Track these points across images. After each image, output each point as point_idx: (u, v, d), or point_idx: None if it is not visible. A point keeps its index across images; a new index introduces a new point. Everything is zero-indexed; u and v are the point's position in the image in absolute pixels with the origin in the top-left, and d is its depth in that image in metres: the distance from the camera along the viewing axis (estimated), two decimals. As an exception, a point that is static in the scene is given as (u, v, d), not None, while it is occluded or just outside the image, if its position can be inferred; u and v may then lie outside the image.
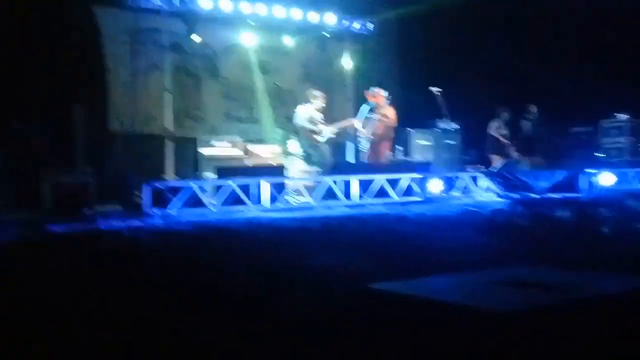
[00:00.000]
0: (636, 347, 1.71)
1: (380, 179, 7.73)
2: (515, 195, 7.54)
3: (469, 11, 10.39)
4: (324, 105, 8.83)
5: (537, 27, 10.87)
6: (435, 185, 7.94)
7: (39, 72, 8.61)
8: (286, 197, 7.48)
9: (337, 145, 9.49)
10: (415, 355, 1.71)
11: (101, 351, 1.87)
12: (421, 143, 9.98)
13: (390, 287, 2.54)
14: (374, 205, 7.38)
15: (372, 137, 8.77)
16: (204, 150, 9.28)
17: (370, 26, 11.58)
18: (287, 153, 9.20)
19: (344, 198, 7.58)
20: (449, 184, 8.20)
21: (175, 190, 7.11)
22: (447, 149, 9.72)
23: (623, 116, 10.63)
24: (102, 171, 8.37)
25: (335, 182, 7.60)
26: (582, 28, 10.54)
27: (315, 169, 8.73)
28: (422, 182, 7.95)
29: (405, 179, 7.87)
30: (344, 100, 11.57)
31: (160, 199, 7.04)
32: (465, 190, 8.23)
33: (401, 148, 10.02)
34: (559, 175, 7.80)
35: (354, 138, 8.97)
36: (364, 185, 7.69)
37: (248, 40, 10.62)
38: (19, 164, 7.92)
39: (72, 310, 2.46)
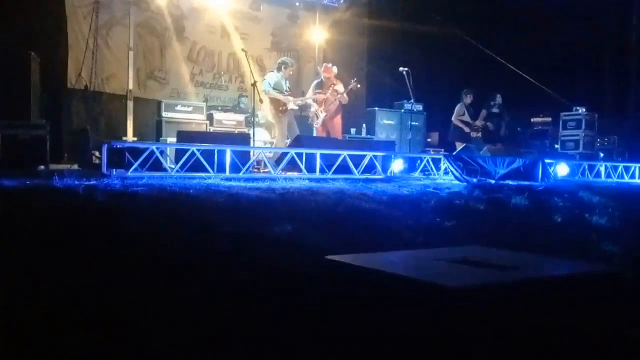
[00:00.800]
0: (579, 326, 1.80)
1: (343, 155, 7.75)
2: (473, 180, 7.68)
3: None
4: (292, 74, 8.77)
5: (506, 16, 11.01)
6: (397, 165, 8.02)
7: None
8: (248, 167, 7.43)
9: (302, 118, 9.45)
10: (367, 325, 1.74)
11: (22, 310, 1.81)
12: (385, 122, 10.05)
13: (347, 260, 2.55)
14: (335, 180, 7.41)
15: (324, 113, 8.76)
16: (167, 114, 9.11)
17: (341, -1, 11.50)
18: (251, 122, 9.12)
19: (306, 171, 7.58)
20: (411, 164, 8.30)
21: (134, 152, 6.95)
22: (411, 130, 9.81)
23: (581, 109, 10.94)
24: (58, 127, 8.14)
25: (298, 155, 7.58)
26: (546, 20, 10.74)
27: (278, 139, 8.69)
28: (384, 161, 8.02)
29: (368, 156, 7.91)
30: (312, 72, 11.50)
31: (119, 160, 6.89)
32: (426, 172, 8.35)
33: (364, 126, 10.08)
34: (517, 163, 7.99)
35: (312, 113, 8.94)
36: (326, 160, 7.70)
37: (217, 3, 10.38)
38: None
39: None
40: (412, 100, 9.57)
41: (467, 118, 10.21)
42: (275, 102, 8.52)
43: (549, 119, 11.15)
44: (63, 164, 7.57)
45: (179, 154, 7.19)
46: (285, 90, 8.58)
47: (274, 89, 8.47)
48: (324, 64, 9.00)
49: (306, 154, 7.60)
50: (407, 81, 9.03)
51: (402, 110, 10.77)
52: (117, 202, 4.65)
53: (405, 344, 1.62)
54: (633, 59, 11.22)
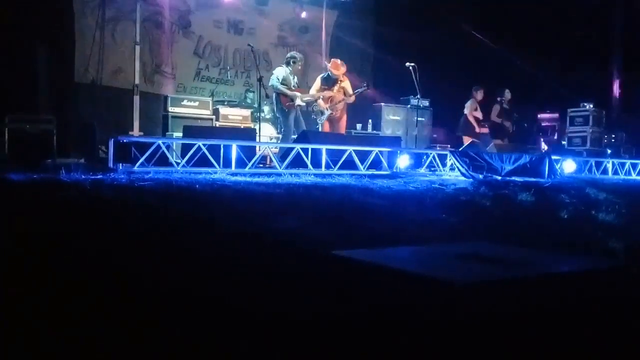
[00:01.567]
0: (583, 323, 1.79)
1: (349, 150, 7.73)
2: (480, 176, 7.65)
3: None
4: (301, 69, 8.73)
5: (513, 11, 10.94)
6: (403, 161, 7.99)
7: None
8: (254, 162, 7.43)
9: (308, 114, 9.43)
10: (373, 321, 1.73)
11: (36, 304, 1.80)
12: (392, 118, 10.02)
13: (353, 255, 2.55)
14: (341, 176, 7.40)
15: (330, 111, 8.70)
16: (173, 109, 9.11)
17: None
18: (257, 118, 9.11)
19: (312, 167, 7.56)
20: (417, 160, 8.27)
21: (141, 147, 6.94)
22: (417, 126, 9.78)
23: (589, 105, 10.85)
24: (65, 121, 8.16)
25: (303, 150, 7.57)
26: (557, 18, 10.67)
27: (284, 135, 8.67)
28: (390, 157, 7.99)
29: (373, 152, 7.89)
30: (318, 68, 11.47)
31: (126, 155, 6.90)
32: (432, 168, 8.32)
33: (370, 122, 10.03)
34: (524, 159, 7.95)
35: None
36: (332, 155, 7.68)
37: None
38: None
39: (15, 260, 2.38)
40: (418, 96, 9.54)
41: (479, 114, 10.16)
42: (282, 98, 8.49)
43: (556, 115, 11.07)
44: (70, 158, 7.58)
45: (185, 148, 7.19)
46: (293, 86, 8.55)
47: (282, 83, 8.44)
48: (332, 59, 8.92)
49: (312, 149, 7.59)
50: (414, 76, 8.99)
51: (409, 106, 10.73)
52: (123, 197, 4.64)
53: (412, 339, 1.61)
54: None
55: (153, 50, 10.12)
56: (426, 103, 10.67)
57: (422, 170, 8.23)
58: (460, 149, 8.95)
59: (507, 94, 10.18)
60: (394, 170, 7.92)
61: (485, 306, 1.91)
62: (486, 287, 2.12)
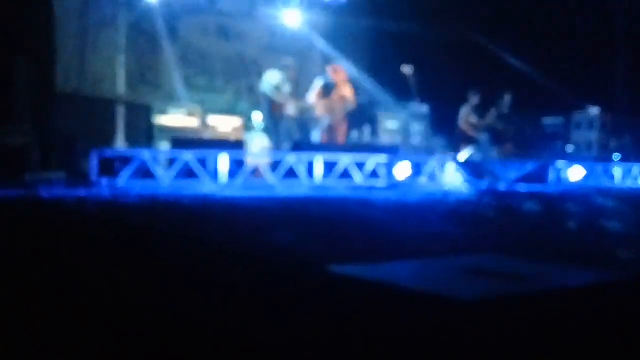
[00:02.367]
0: (594, 339, 1.71)
1: (345, 161, 7.49)
2: (483, 185, 7.45)
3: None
4: (294, 76, 8.43)
5: (514, 13, 10.76)
6: (402, 170, 7.76)
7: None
8: (244, 174, 7.15)
9: (302, 122, 9.14)
10: (375, 341, 1.64)
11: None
12: (389, 126, 9.77)
13: (352, 271, 2.46)
14: (337, 188, 7.17)
15: (329, 118, 8.40)
16: (159, 119, 8.81)
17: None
18: (248, 127, 8.81)
19: (306, 178, 7.31)
20: (416, 169, 8.04)
21: (125, 160, 6.80)
22: (416, 133, 9.56)
23: (594, 109, 10.64)
24: (45, 134, 7.90)
25: (297, 161, 7.31)
26: (557, 17, 10.51)
27: (277, 145, 8.37)
28: (388, 166, 7.76)
29: (371, 162, 7.64)
30: (310, 74, 11.18)
31: (109, 168, 6.74)
32: (432, 177, 8.09)
33: (367, 130, 9.78)
34: (528, 167, 7.72)
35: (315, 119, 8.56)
36: (327, 166, 7.45)
37: (212, 2, 10.08)
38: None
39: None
40: (417, 102, 9.31)
41: (474, 119, 9.94)
42: (273, 105, 8.18)
43: (561, 120, 10.87)
44: (51, 171, 7.29)
45: (173, 160, 6.99)
46: (286, 93, 8.24)
47: (274, 89, 8.12)
48: (333, 65, 8.60)
49: (306, 160, 7.35)
50: (412, 81, 8.79)
51: (407, 113, 10.47)
52: (106, 216, 4.49)
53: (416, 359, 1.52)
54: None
55: (138, 58, 9.81)
56: (425, 109, 10.43)
57: (423, 179, 7.99)
58: (460, 157, 8.75)
59: (507, 98, 9.98)
60: (393, 180, 7.68)
61: (496, 323, 1.83)
62: (497, 303, 2.05)
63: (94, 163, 6.71)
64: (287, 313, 1.90)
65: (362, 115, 9.47)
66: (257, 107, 8.54)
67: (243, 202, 5.62)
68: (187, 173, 6.86)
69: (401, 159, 7.95)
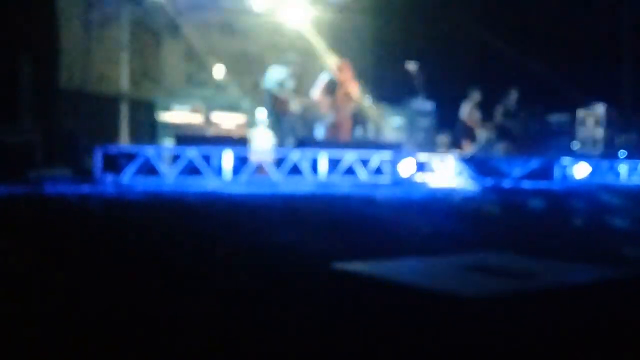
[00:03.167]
0: (599, 336, 1.70)
1: (349, 158, 7.47)
2: (488, 182, 7.43)
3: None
4: (298, 72, 8.41)
5: (519, 10, 10.70)
6: (406, 167, 7.74)
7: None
8: (248, 171, 7.15)
9: (305, 119, 9.13)
10: (378, 338, 1.64)
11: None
12: (393, 122, 9.75)
13: (356, 268, 2.47)
14: (341, 185, 7.16)
15: (333, 116, 8.38)
16: (163, 116, 8.82)
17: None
18: (252, 124, 8.79)
19: (310, 175, 7.30)
20: (420, 166, 8.02)
21: (129, 156, 6.81)
22: (420, 130, 9.54)
23: (600, 106, 10.58)
24: (49, 131, 7.91)
25: (301, 157, 7.30)
26: (562, 13, 10.45)
27: (280, 142, 8.36)
28: (392, 163, 7.74)
29: (375, 158, 7.62)
30: (314, 71, 11.16)
31: (113, 165, 6.74)
32: (437, 174, 8.07)
33: (370, 127, 9.76)
34: (534, 163, 7.70)
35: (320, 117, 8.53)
36: (331, 163, 7.43)
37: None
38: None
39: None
40: (421, 98, 9.28)
41: (476, 116, 9.91)
42: (277, 102, 8.15)
43: (566, 117, 10.82)
44: (55, 169, 7.30)
45: (177, 157, 6.98)
46: (289, 89, 8.22)
47: (277, 85, 8.10)
48: (339, 62, 8.55)
49: (310, 156, 7.34)
50: (417, 78, 8.77)
51: (411, 109, 10.44)
52: (111, 214, 4.53)
53: (418, 356, 1.52)
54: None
55: (141, 55, 9.80)
56: (430, 106, 10.40)
57: (426, 176, 7.96)
58: (464, 154, 8.73)
59: (513, 95, 9.94)
60: (397, 177, 7.66)
61: (501, 321, 1.84)
62: (501, 301, 2.05)
63: (98, 160, 6.71)
64: (291, 310, 1.89)
65: (365, 113, 9.45)
66: (260, 103, 8.52)
67: (247, 198, 5.63)
68: (191, 169, 6.86)
69: (405, 156, 7.93)
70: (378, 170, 7.71)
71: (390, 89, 9.94)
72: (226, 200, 5.43)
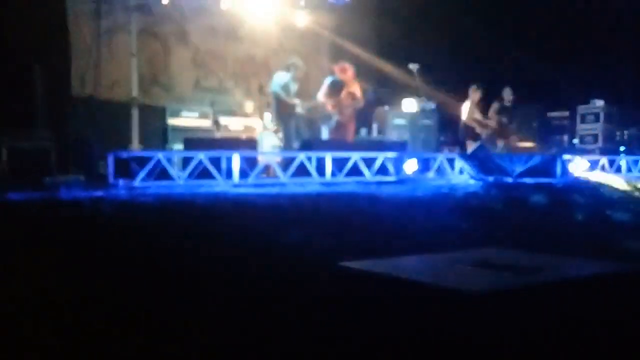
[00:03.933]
0: (599, 330, 1.72)
1: (354, 157, 7.59)
2: (490, 179, 7.50)
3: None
4: (302, 76, 8.54)
5: (517, 7, 10.74)
6: (410, 166, 7.85)
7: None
8: (257, 173, 7.28)
9: (311, 122, 9.26)
10: (384, 335, 1.66)
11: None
12: (397, 122, 9.83)
13: (361, 266, 2.49)
14: (347, 184, 7.26)
15: (338, 116, 8.49)
16: (172, 121, 8.96)
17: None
18: (259, 127, 8.94)
19: (317, 175, 7.42)
20: (424, 165, 8.12)
21: (140, 161, 6.89)
22: (424, 129, 9.61)
23: (599, 102, 10.60)
24: (62, 137, 8.05)
25: (307, 159, 7.42)
26: (561, 11, 10.47)
27: (287, 144, 8.50)
28: (397, 162, 7.84)
29: (380, 158, 7.74)
30: (318, 73, 11.28)
31: (125, 170, 6.82)
32: (440, 172, 8.16)
33: (375, 127, 9.85)
34: (535, 160, 7.77)
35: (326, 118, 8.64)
36: (337, 163, 7.54)
37: (220, 4, 10.18)
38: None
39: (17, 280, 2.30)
40: (423, 98, 9.35)
41: (477, 115, 9.95)
42: (282, 105, 8.31)
43: (566, 113, 10.85)
44: (69, 174, 7.45)
45: (186, 161, 7.09)
46: (294, 93, 8.37)
47: (282, 90, 8.25)
48: (339, 63, 8.68)
49: (316, 157, 7.45)
50: (418, 78, 8.85)
51: (414, 109, 10.51)
52: (124, 215, 4.61)
53: (424, 353, 1.54)
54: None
55: (150, 61, 9.95)
56: (432, 105, 10.48)
57: (431, 174, 8.06)
58: (468, 152, 8.80)
59: (508, 92, 9.95)
60: (401, 175, 7.76)
61: (505, 316, 1.86)
62: (506, 296, 2.07)
63: (110, 165, 6.84)
64: (298, 308, 1.92)
65: (369, 113, 9.54)
66: (267, 107, 8.67)
67: (255, 199, 5.68)
68: (201, 172, 6.96)
69: (409, 155, 8.04)
70: (382, 169, 7.81)
71: (393, 90, 10.02)
72: (235, 202, 5.50)
